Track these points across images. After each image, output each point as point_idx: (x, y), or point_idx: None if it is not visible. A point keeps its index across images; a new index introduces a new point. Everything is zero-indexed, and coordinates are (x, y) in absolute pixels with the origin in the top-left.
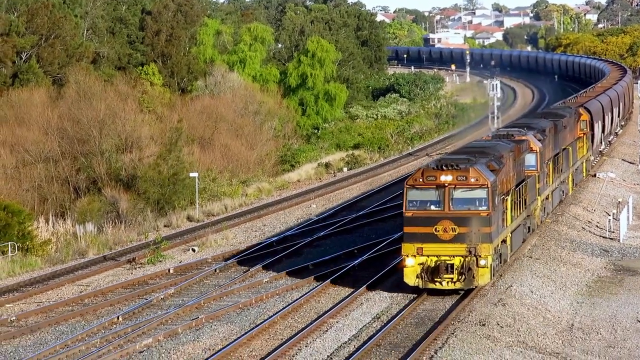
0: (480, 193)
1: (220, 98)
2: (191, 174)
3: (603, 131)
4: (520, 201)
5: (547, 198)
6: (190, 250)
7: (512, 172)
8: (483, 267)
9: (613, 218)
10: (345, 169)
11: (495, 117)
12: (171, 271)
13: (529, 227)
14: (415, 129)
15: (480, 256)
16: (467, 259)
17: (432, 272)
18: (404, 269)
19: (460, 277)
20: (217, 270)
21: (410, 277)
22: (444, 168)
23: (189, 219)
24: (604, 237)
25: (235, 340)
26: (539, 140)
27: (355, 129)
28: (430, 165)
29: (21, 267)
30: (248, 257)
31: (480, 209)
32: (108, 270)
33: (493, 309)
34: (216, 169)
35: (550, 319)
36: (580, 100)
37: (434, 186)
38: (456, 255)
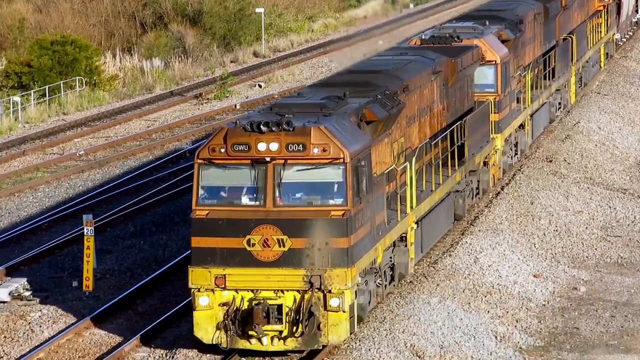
0: (332, 174)
1: None
2: (257, 10)
3: None
4: (450, 155)
5: (521, 127)
6: (257, 86)
7: (440, 105)
8: (336, 311)
9: None
10: (411, 6)
11: None
12: (237, 107)
13: (477, 189)
14: None
15: (330, 291)
16: (306, 297)
17: (243, 319)
18: (194, 312)
19: (294, 328)
20: None
21: (205, 328)
22: (264, 129)
23: (255, 54)
24: None
25: None
26: (506, 41)
27: None
28: (240, 123)
29: (89, 101)
30: None
31: (331, 202)
32: (175, 105)
33: (560, 146)
34: (282, 5)
35: (618, 155)
36: None
37: (247, 161)
38: (287, 290)
